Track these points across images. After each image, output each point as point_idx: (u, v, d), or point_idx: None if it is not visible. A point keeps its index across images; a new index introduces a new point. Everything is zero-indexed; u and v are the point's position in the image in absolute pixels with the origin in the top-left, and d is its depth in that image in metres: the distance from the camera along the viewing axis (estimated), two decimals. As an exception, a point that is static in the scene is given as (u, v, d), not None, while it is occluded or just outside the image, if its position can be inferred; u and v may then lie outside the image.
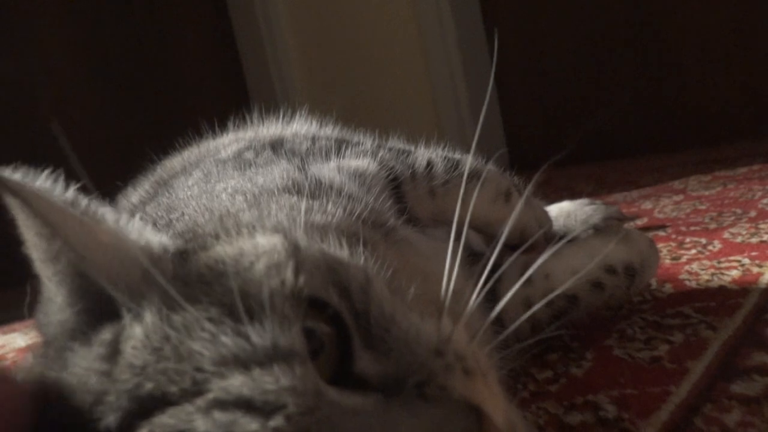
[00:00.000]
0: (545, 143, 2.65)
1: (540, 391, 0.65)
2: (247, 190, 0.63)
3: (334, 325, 0.41)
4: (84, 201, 0.42)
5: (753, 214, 1.23)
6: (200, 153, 0.94)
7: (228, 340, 0.36)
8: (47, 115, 2.34)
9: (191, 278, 0.42)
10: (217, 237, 0.47)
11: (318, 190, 0.64)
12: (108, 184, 0.97)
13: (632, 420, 0.56)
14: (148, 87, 2.72)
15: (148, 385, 0.36)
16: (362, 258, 0.47)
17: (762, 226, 1.12)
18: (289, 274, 0.40)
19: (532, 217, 0.95)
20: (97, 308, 0.41)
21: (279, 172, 0.68)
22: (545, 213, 1.05)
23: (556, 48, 2.61)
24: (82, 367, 0.38)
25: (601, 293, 0.74)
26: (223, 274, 0.41)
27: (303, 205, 0.57)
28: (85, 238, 0.41)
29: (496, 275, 0.49)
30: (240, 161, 0.77)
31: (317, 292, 0.41)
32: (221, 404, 0.35)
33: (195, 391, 0.35)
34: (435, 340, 0.41)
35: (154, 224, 0.61)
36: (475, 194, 0.77)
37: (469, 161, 0.82)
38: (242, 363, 0.36)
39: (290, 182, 0.65)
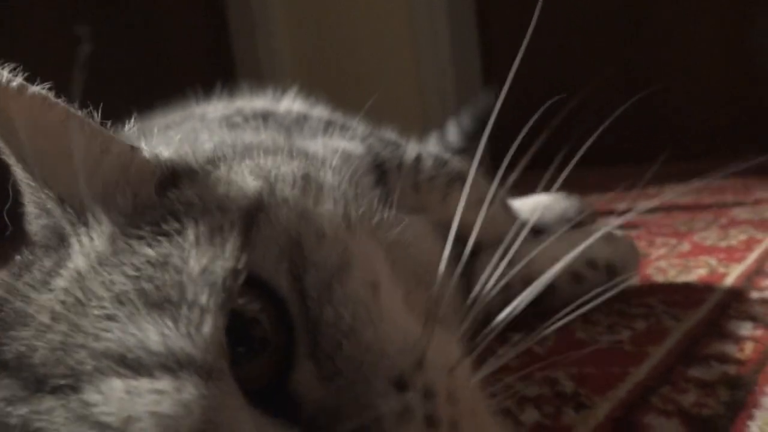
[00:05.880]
0: (526, 145, 2.66)
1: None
2: (234, 143, 0.57)
3: (278, 319, 0.32)
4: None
5: (724, 221, 1.25)
6: (185, 115, 0.91)
7: (119, 333, 0.28)
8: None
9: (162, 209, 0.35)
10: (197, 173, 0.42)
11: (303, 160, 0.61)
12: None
13: (588, 396, 0.56)
14: (135, 61, 2.68)
15: (36, 358, 0.29)
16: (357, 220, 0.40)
17: (732, 232, 1.14)
18: (229, 246, 0.32)
19: (513, 229, 0.93)
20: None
21: (267, 136, 0.64)
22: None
23: (542, 54, 2.62)
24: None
25: (579, 286, 0.74)
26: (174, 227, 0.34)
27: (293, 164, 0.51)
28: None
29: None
30: (228, 123, 0.74)
31: (262, 271, 0.32)
32: (83, 418, 0.27)
33: (70, 385, 0.28)
34: (400, 366, 0.32)
35: None
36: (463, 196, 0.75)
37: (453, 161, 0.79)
38: (130, 366, 0.28)
39: (277, 148, 0.62)
